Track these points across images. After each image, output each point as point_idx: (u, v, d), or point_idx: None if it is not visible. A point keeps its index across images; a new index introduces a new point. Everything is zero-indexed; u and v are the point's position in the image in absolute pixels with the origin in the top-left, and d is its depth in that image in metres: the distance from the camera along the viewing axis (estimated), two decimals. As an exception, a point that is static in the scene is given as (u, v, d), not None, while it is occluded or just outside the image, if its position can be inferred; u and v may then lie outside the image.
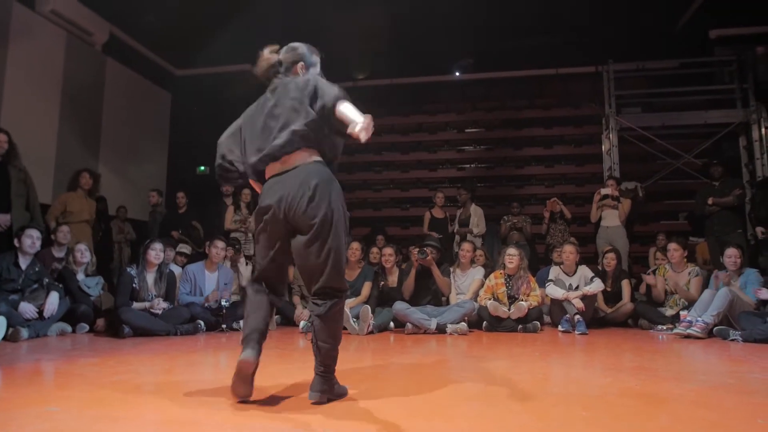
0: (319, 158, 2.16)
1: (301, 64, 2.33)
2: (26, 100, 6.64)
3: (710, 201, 6.36)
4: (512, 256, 5.38)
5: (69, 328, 4.66)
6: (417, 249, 5.32)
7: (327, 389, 2.09)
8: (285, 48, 2.36)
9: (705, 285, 5.31)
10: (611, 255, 5.86)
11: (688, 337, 4.50)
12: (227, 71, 9.36)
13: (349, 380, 2.57)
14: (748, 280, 4.87)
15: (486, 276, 5.66)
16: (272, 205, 2.10)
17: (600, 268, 5.93)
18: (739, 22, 8.00)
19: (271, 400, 2.16)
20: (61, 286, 4.72)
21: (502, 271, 5.48)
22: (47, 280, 4.63)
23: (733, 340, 4.29)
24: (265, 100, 2.27)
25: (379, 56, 8.82)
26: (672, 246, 5.54)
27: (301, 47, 2.36)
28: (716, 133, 8.10)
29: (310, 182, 2.06)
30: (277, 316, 5.51)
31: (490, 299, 5.31)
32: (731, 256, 5.03)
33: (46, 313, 4.42)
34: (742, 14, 7.72)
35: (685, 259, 5.57)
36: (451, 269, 5.72)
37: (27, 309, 4.33)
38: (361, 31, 7.42)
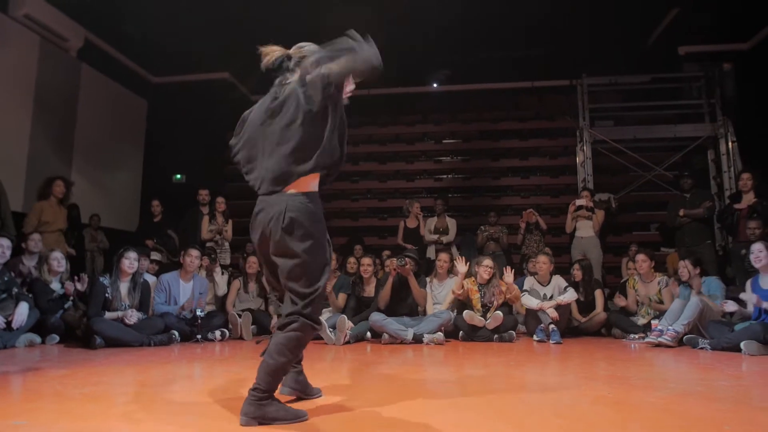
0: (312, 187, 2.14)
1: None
2: (-3, 105, 6.51)
3: (681, 213, 6.52)
4: (487, 268, 5.43)
5: (38, 339, 4.55)
6: (396, 258, 5.32)
7: (252, 411, 1.91)
8: (296, 46, 2.21)
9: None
10: (576, 266, 6.00)
11: (659, 345, 4.60)
12: (204, 79, 9.32)
13: (326, 390, 2.57)
14: (710, 289, 5.02)
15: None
16: None
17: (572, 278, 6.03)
18: (707, 40, 8.27)
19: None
20: (30, 296, 4.61)
21: (474, 279, 5.51)
22: (16, 290, 4.52)
23: (702, 348, 4.39)
24: (268, 108, 2.20)
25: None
26: (640, 257, 5.67)
27: (312, 45, 2.20)
28: (686, 146, 8.33)
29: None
30: (253, 326, 5.46)
31: (463, 301, 5.36)
32: (681, 267, 5.24)
33: (15, 324, 4.31)
34: (710, 32, 7.98)
35: (653, 270, 5.70)
36: (428, 279, 5.74)
37: (-5, 319, 4.22)
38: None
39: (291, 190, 2.06)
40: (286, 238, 2.00)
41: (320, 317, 2.12)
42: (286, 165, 2.05)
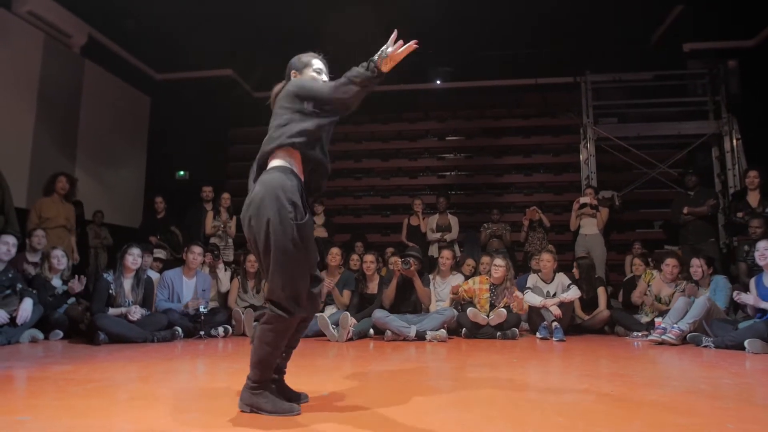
0: (279, 162, 2.10)
1: (293, 72, 2.34)
2: (1, 102, 6.51)
3: (685, 210, 6.50)
4: (498, 267, 5.40)
5: (41, 335, 4.56)
6: (401, 259, 5.30)
7: (246, 398, 2.04)
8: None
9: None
10: (575, 264, 5.98)
11: (662, 343, 4.59)
12: (208, 76, 9.33)
13: (328, 387, 2.57)
14: (717, 287, 4.99)
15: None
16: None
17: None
18: (711, 37, 8.22)
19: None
20: (34, 292, 4.62)
21: (488, 277, 5.50)
22: (20, 285, 4.53)
23: (705, 346, 4.38)
24: None
25: (360, 64, 8.86)
26: (672, 262, 5.48)
27: (296, 58, 2.37)
28: (690, 143, 8.29)
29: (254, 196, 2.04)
30: (255, 323, 5.46)
31: (469, 300, 5.35)
32: (695, 266, 5.19)
33: (19, 320, 4.32)
34: (715, 29, 7.93)
35: (680, 275, 5.62)
36: (431, 276, 5.73)
37: (-1, 315, 4.23)
38: (341, 38, 7.44)
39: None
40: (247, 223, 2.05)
41: (298, 305, 2.01)
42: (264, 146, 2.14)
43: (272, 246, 1.94)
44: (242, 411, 2.03)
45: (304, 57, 2.35)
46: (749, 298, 4.52)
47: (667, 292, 5.52)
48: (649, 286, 5.64)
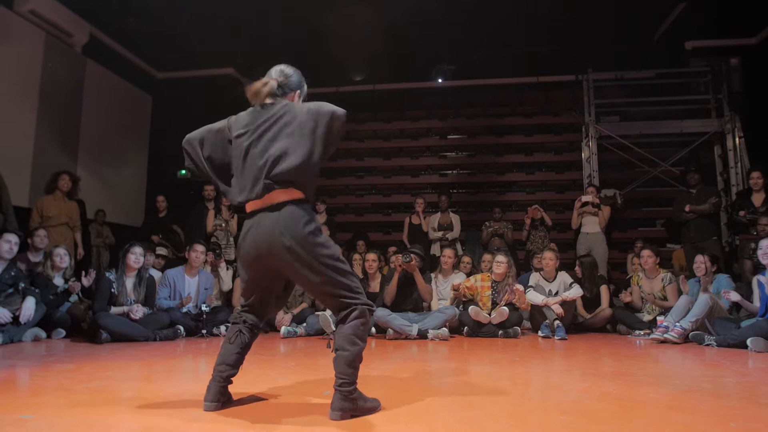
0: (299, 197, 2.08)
1: (298, 92, 2.26)
2: (2, 100, 6.52)
3: (687, 208, 6.49)
4: (500, 263, 5.40)
5: (43, 334, 4.57)
6: (402, 254, 5.31)
7: (347, 406, 1.98)
8: (278, 71, 2.23)
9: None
10: (577, 262, 6.01)
11: (664, 342, 4.59)
12: (209, 75, 9.32)
13: (329, 386, 2.57)
14: (720, 286, 4.99)
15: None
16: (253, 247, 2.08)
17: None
18: (714, 35, 8.20)
19: (251, 408, 2.15)
20: (37, 291, 4.63)
21: (490, 274, 5.50)
22: (23, 284, 4.53)
23: (707, 345, 4.37)
24: (257, 128, 2.10)
25: (362, 63, 8.85)
26: (646, 253, 5.62)
27: (296, 73, 2.26)
28: (692, 142, 8.28)
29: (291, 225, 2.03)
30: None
31: (470, 298, 5.35)
32: (698, 262, 5.19)
33: (22, 319, 4.33)
34: (717, 27, 7.91)
35: (658, 266, 5.67)
36: (433, 275, 5.73)
37: (1, 314, 4.23)
38: (344, 38, 7.43)
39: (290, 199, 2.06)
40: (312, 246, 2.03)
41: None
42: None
43: (333, 260, 2.06)
44: (342, 420, 1.95)
45: (302, 79, 2.27)
46: (735, 296, 4.58)
47: (658, 287, 5.53)
48: (640, 287, 5.65)
